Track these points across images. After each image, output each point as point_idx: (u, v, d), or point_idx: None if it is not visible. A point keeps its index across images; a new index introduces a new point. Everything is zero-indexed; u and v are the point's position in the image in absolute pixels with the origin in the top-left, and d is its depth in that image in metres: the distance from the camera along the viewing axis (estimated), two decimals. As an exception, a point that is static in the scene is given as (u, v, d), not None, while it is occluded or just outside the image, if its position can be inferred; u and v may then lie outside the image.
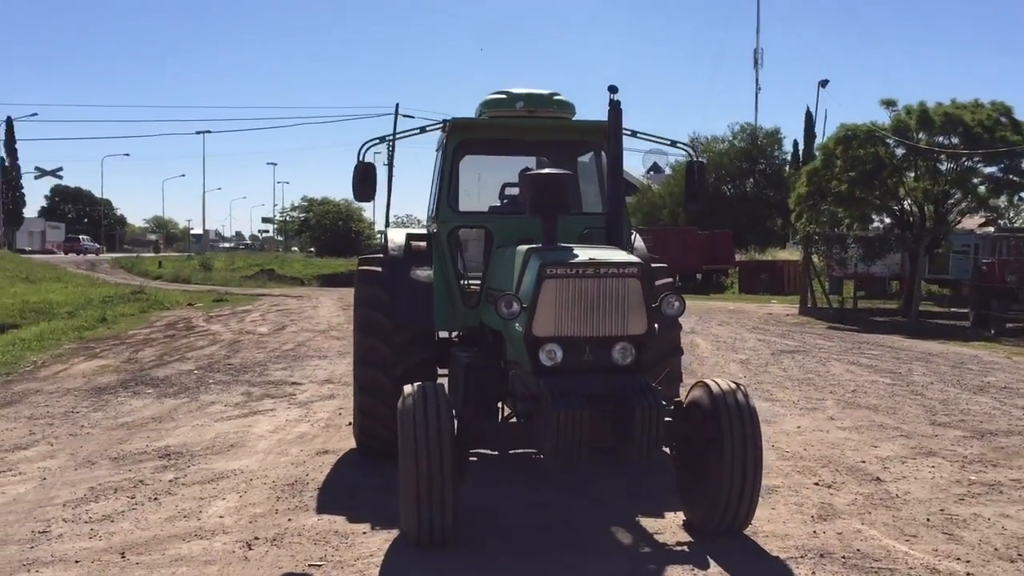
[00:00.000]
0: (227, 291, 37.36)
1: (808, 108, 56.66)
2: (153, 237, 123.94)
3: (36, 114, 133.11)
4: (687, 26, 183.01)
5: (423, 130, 7.96)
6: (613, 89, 7.35)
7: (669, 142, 8.22)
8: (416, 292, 7.88)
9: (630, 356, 5.98)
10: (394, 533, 6.16)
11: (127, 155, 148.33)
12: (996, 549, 6.04)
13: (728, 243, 41.88)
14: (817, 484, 7.65)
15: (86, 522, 6.49)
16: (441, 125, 7.89)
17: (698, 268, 40.36)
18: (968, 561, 5.81)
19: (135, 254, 70.57)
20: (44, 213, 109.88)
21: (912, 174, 25.53)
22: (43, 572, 5.50)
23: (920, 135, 24.87)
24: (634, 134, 8.19)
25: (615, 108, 7.02)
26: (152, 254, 77.32)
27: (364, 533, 6.27)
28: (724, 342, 18.89)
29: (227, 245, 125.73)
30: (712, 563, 5.70)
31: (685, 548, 6.00)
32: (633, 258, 6.09)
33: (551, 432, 5.59)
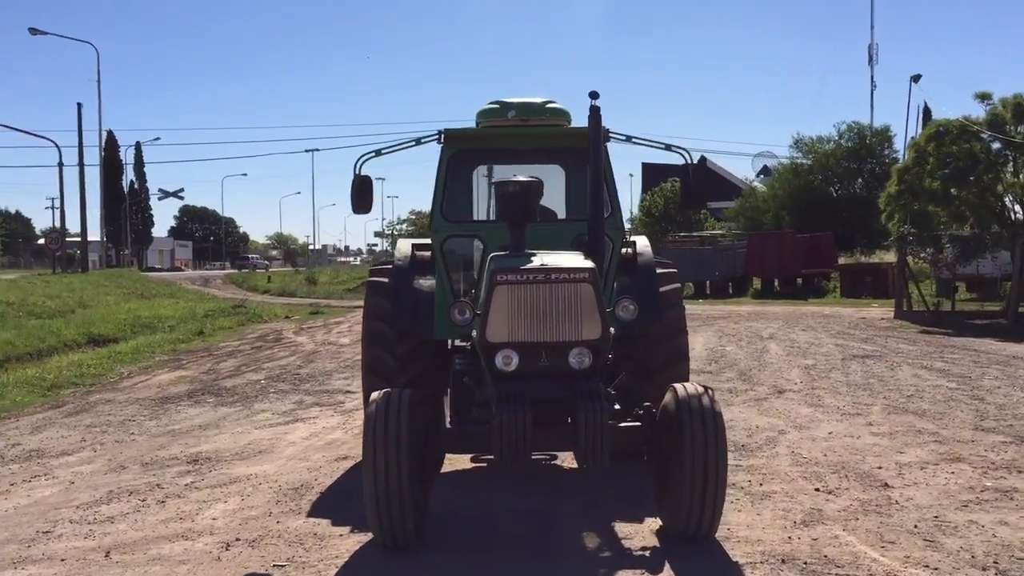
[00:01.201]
0: (327, 304, 38.43)
1: (925, 104, 54.60)
2: (274, 253, 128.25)
3: (159, 138, 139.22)
4: (792, 26, 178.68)
5: (419, 142, 8.13)
6: (594, 95, 7.36)
7: (663, 146, 8.17)
8: (418, 301, 8.06)
9: (586, 361, 6.00)
10: (370, 536, 6.32)
11: (245, 175, 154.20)
12: (973, 557, 5.82)
13: (830, 246, 40.70)
14: (817, 490, 7.48)
15: (89, 523, 6.90)
16: (436, 136, 8.06)
17: (797, 272, 39.37)
18: (936, 569, 5.62)
19: (246, 270, 73.17)
20: (173, 232, 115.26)
21: (1010, 169, 24.42)
22: (28, 569, 5.88)
23: (1018, 128, 23.76)
24: (629, 139, 8.19)
25: (595, 115, 7.04)
26: (264, 269, 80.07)
27: (341, 536, 6.46)
28: (798, 348, 18.47)
29: (347, 259, 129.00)
30: (667, 567, 5.68)
31: (646, 553, 5.98)
32: (585, 263, 6.11)
33: (495, 436, 5.68)
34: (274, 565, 5.86)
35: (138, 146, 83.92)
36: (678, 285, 8.51)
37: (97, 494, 7.74)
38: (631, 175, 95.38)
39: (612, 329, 6.16)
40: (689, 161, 7.94)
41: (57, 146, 44.69)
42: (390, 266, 8.55)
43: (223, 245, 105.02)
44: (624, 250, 8.32)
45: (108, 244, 75.15)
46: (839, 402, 11.76)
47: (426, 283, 8.14)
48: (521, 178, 6.64)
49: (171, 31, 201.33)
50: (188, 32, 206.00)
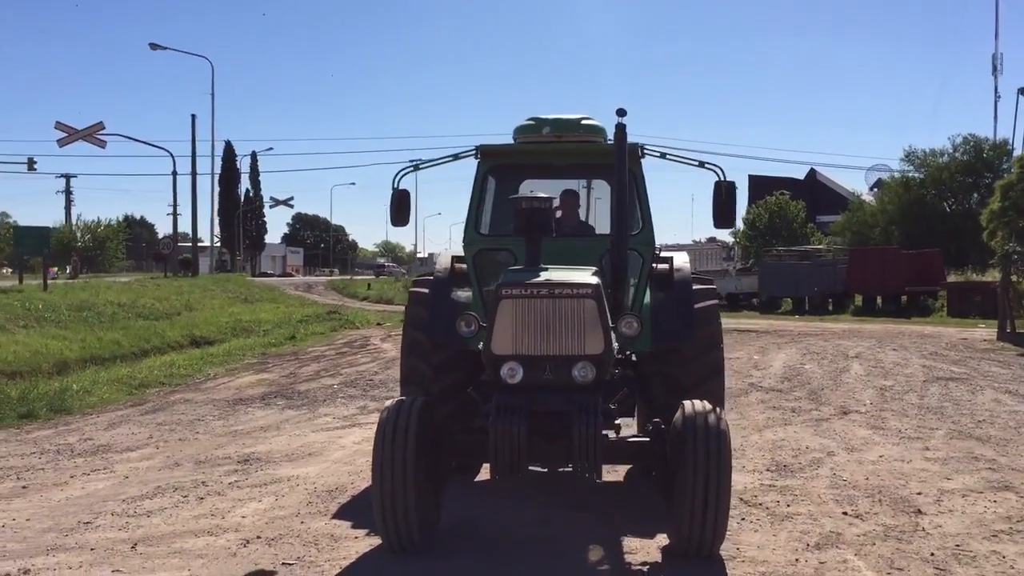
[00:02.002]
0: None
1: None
2: (382, 261, 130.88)
3: (272, 148, 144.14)
4: (910, 34, 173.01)
5: (457, 157, 8.33)
6: (621, 113, 7.44)
7: (697, 163, 8.13)
8: (454, 312, 8.23)
9: (589, 375, 6.08)
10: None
11: (353, 184, 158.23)
12: (980, 588, 5.66)
13: (937, 263, 39.28)
14: (845, 514, 7.34)
15: (128, 516, 7.30)
16: (473, 152, 8.23)
17: (900, 290, 38.14)
18: (937, 599, 5.50)
19: (348, 276, 74.73)
20: (286, 239, 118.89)
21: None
22: (58, 556, 6.28)
23: None
24: (663, 156, 8.23)
25: (621, 132, 7.12)
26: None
27: (356, 538, 6.67)
28: (881, 368, 17.96)
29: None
30: (659, 584, 5.71)
31: (644, 568, 6.00)
32: (590, 279, 6.18)
33: (491, 446, 5.81)
34: (283, 563, 6.11)
35: (254, 155, 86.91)
36: (715, 302, 8.47)
37: (145, 489, 8.16)
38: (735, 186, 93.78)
39: (616, 345, 6.21)
40: (722, 179, 7.91)
41: (172, 155, 46.88)
42: (431, 277, 8.76)
43: (331, 252, 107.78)
44: (660, 266, 8.35)
45: (222, 250, 78.10)
46: (903, 425, 11.44)
47: (463, 294, 8.30)
48: (535, 194, 6.76)
49: (284, 44, 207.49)
50: (300, 44, 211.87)
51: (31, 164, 46.24)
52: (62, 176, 67.04)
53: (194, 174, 48.96)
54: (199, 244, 72.72)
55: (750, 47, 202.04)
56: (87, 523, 7.09)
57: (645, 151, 8.09)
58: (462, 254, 8.42)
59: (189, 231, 63.11)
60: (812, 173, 75.95)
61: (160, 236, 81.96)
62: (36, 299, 26.86)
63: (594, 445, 5.75)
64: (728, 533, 6.67)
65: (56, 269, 59.29)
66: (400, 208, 8.15)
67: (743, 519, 7.18)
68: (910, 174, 55.33)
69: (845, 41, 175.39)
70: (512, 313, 6.08)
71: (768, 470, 8.92)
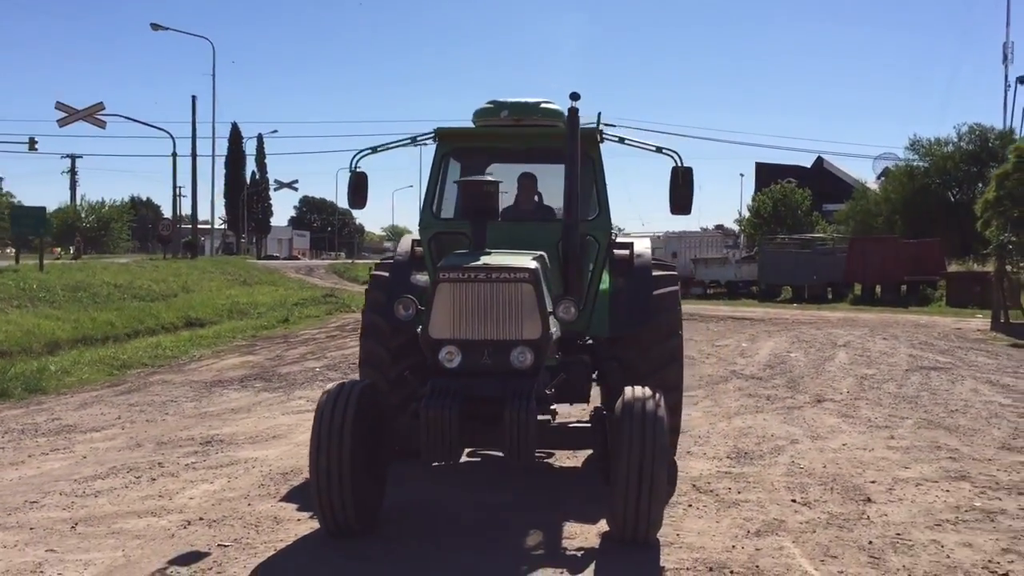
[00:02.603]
0: (421, 296, 39.04)
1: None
2: (388, 245, 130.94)
3: (276, 131, 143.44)
4: (919, 22, 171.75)
5: (415, 140, 8.30)
6: (575, 96, 7.40)
7: (654, 148, 8.08)
8: (413, 295, 8.21)
9: (527, 360, 6.06)
10: (325, 522, 6.51)
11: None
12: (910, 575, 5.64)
13: (937, 253, 39.08)
14: (793, 501, 7.32)
15: (77, 496, 7.31)
16: (431, 135, 8.20)
17: (900, 279, 38.00)
18: (865, 588, 5.48)
19: (350, 260, 74.81)
20: (293, 222, 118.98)
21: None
22: (-2, 534, 6.30)
23: None
24: (622, 140, 8.20)
25: (573, 116, 7.08)
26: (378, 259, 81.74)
27: (298, 521, 6.68)
28: (867, 357, 17.91)
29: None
30: (587, 569, 5.70)
31: (578, 554, 5.99)
32: (527, 263, 6.16)
33: (421, 431, 5.81)
34: (218, 545, 6.12)
35: (260, 138, 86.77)
36: (674, 288, 8.43)
37: (100, 469, 8.18)
38: (742, 174, 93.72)
39: (555, 330, 6.19)
40: (679, 164, 7.86)
41: (172, 136, 46.97)
42: (392, 261, 8.74)
43: (338, 236, 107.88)
44: (620, 252, 8.32)
45: (227, 232, 78.19)
46: (874, 414, 11.40)
47: (423, 278, 8.28)
48: (481, 177, 6.74)
49: (286, 25, 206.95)
50: (302, 26, 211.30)
51: (32, 144, 46.37)
52: (67, 156, 67.24)
53: (194, 156, 49.05)
54: (205, 227, 72.97)
55: (758, 33, 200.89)
56: (33, 502, 7.11)
57: (604, 136, 8.05)
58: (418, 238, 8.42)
59: (201, 212, 63.28)
60: (819, 161, 75.61)
61: (166, 216, 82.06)
62: (32, 279, 26.88)
63: (526, 431, 5.74)
64: (672, 519, 6.72)
65: (60, 250, 59.57)
66: (357, 191, 8.15)
67: (690, 505, 7.16)
68: (915, 163, 55.05)
69: (855, 28, 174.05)
70: (449, 297, 6.07)
71: (728, 457, 8.91)
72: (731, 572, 5.68)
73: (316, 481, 5.96)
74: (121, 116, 49.14)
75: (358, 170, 8.12)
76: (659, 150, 8.03)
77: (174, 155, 47.44)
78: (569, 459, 8.71)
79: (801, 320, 28.10)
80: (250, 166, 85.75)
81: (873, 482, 7.96)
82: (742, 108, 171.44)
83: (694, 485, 7.79)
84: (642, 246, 8.55)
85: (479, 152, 8.58)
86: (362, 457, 6.08)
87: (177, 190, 53.09)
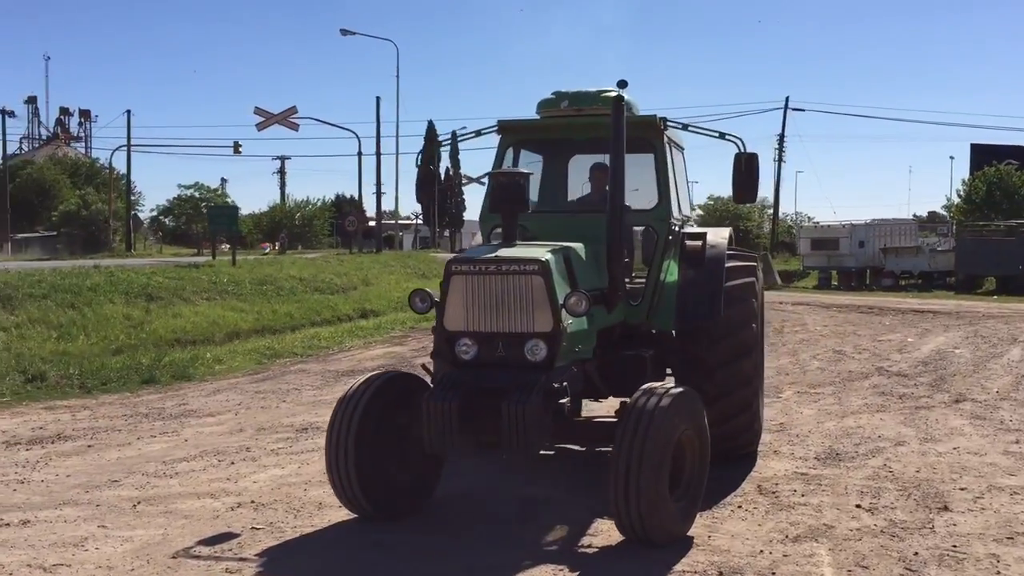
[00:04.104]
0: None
1: None
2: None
3: (465, 127, 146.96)
4: None
5: (479, 133, 8.33)
6: (622, 84, 7.24)
7: (718, 134, 7.77)
8: None
9: (541, 353, 5.98)
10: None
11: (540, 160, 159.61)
12: (943, 596, 5.16)
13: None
14: (858, 506, 6.84)
15: (156, 476, 7.82)
16: (495, 127, 8.20)
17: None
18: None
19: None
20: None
21: None
22: (64, 510, 6.83)
23: None
24: (685, 127, 7.95)
25: (618, 104, 6.92)
26: None
27: (338, 508, 6.84)
28: (981, 352, 16.42)
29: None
30: (591, 566, 5.58)
31: (590, 551, 5.89)
32: (539, 255, 6.05)
33: (423, 422, 5.85)
34: (251, 527, 6.39)
35: (454, 135, 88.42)
36: (749, 280, 8.08)
37: (191, 452, 8.70)
38: (952, 157, 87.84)
39: (570, 322, 6.05)
40: (742, 150, 7.53)
41: (357, 136, 49.34)
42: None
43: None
44: (692, 243, 8.05)
45: (419, 227, 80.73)
46: (1013, 416, 10.43)
47: None
48: (511, 169, 6.70)
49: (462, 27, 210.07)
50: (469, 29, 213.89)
51: (236, 147, 49.61)
52: (277, 158, 71.60)
53: (378, 154, 50.71)
54: (407, 222, 75.66)
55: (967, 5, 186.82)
56: (114, 482, 7.65)
57: (668, 123, 7.81)
58: None
59: (394, 208, 65.56)
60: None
61: (368, 214, 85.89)
62: (224, 273, 28.71)
63: (523, 424, 5.66)
64: (714, 520, 6.50)
65: (269, 245, 63.51)
66: (423, 185, 8.45)
67: (740, 506, 6.85)
68: None
69: None
70: (462, 289, 6.10)
71: (816, 458, 8.42)
72: (740, 579, 5.39)
73: (327, 454, 6.27)
74: (312, 119, 51.61)
75: (422, 166, 8.25)
76: (722, 136, 7.75)
77: (359, 154, 49.51)
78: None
79: (993, 314, 26.02)
80: (444, 162, 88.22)
81: (963, 489, 7.33)
82: (960, 89, 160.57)
83: (759, 486, 7.42)
84: (716, 236, 8.23)
85: (541, 144, 8.51)
86: (378, 439, 6.26)
87: (360, 186, 55.18)
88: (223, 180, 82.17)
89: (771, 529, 6.31)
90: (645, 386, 5.93)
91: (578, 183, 9.06)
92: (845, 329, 20.75)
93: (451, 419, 5.80)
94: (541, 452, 6.47)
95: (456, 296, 6.11)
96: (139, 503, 7.00)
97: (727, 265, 7.97)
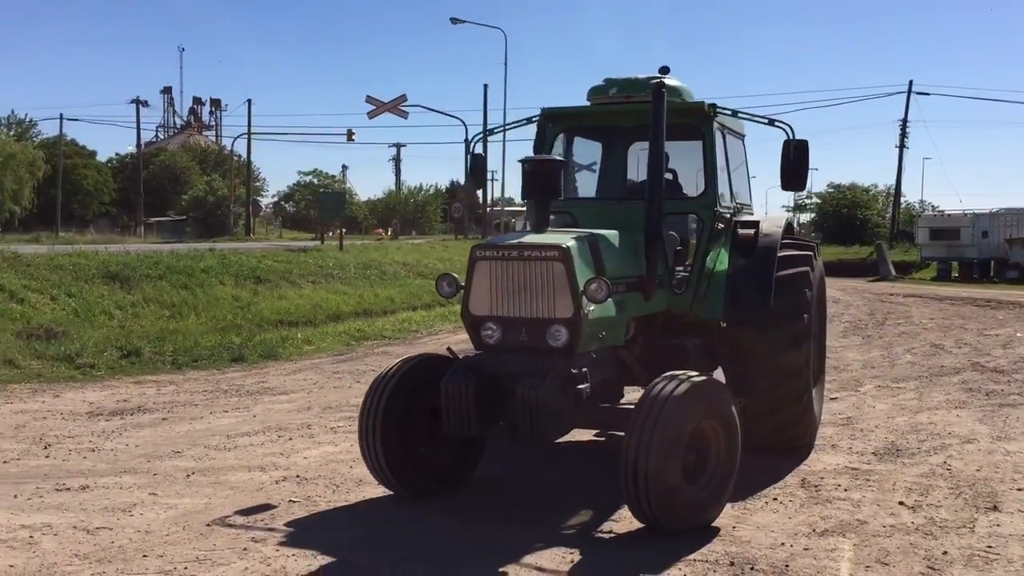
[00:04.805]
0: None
1: None
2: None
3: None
4: None
5: (530, 121, 8.36)
6: (664, 71, 7.18)
7: (767, 120, 7.62)
8: None
9: (563, 338, 6.00)
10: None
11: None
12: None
13: None
14: (901, 503, 6.64)
15: (216, 449, 8.18)
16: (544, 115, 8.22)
17: None
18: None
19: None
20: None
21: None
22: (123, 478, 7.22)
23: None
24: (735, 113, 7.82)
25: (658, 91, 6.88)
26: None
27: (375, 486, 7.01)
28: None
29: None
30: (602, 551, 5.61)
31: (608, 536, 5.91)
32: (559, 242, 6.06)
33: (442, 405, 5.97)
34: (289, 500, 6.64)
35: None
36: (804, 269, 7.89)
37: (255, 427, 9.05)
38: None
39: (590, 309, 6.05)
40: (791, 137, 7.37)
41: (464, 124, 50.04)
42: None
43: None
44: (744, 231, 7.91)
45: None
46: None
47: None
48: (543, 156, 6.73)
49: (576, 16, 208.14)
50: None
51: (350, 135, 50.83)
52: (393, 145, 72.90)
53: (485, 141, 51.07)
54: (518, 208, 75.97)
55: None
56: (177, 452, 8.04)
57: (717, 111, 7.69)
58: None
59: (501, 195, 66.03)
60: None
61: (483, 201, 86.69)
62: (330, 258, 29.54)
63: (536, 408, 5.71)
64: (744, 511, 6.43)
65: (382, 231, 64.87)
66: (475, 171, 8.42)
67: (775, 499, 6.74)
68: None
69: None
70: (486, 274, 6.19)
71: (874, 453, 8.19)
72: (755, 569, 5.32)
73: (359, 424, 6.52)
74: (421, 106, 52.48)
75: (476, 152, 8.35)
76: (771, 123, 7.61)
77: (466, 141, 49.92)
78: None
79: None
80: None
81: (1020, 490, 7.04)
82: None
83: (803, 479, 7.28)
84: (770, 225, 8.08)
85: (596, 131, 8.50)
86: (407, 420, 6.47)
87: (467, 171, 55.58)
88: (344, 167, 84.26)
89: (800, 522, 6.20)
90: (667, 374, 5.90)
91: (636, 171, 9.02)
92: (952, 323, 19.97)
93: (467, 402, 5.90)
94: (561, 438, 6.48)
95: (481, 281, 6.20)
96: (192, 473, 7.35)
97: (781, 254, 7.81)
